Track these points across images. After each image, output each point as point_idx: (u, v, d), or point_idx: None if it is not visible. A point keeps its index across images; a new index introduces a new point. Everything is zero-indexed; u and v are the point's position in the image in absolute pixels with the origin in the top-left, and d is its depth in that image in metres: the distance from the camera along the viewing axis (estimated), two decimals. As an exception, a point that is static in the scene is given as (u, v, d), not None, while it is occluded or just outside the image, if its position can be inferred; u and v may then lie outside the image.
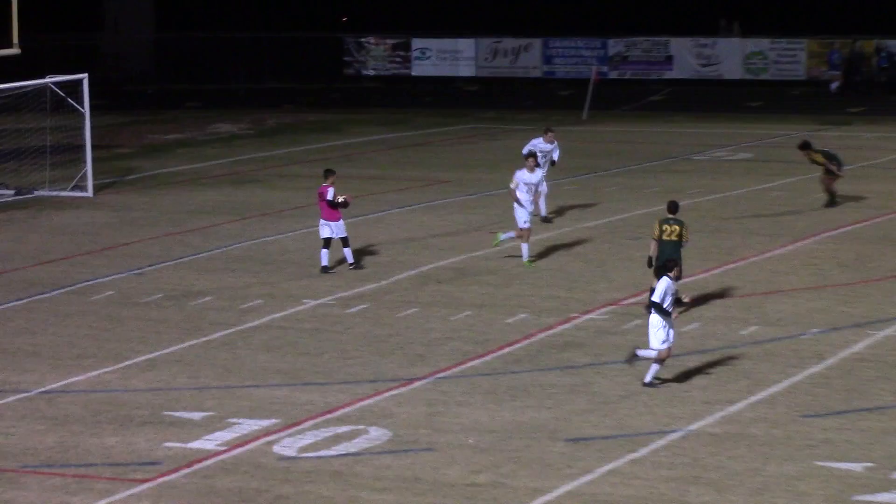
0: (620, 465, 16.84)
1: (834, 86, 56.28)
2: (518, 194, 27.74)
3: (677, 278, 21.50)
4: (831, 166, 32.38)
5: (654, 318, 19.34)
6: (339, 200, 26.17)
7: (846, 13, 59.76)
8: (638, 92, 57.25)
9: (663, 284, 19.60)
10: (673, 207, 23.82)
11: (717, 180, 37.31)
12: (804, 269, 27.52)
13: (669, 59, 58.43)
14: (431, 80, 61.51)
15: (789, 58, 56.52)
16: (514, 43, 60.17)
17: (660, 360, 19.39)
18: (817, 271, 27.27)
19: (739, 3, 61.45)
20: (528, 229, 27.32)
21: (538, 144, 30.47)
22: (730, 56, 57.96)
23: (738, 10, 59.89)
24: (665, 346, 19.29)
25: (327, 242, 26.25)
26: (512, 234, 27.85)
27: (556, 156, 30.93)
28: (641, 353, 19.85)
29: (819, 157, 32.39)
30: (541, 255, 28.97)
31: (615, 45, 59.21)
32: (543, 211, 30.87)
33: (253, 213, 33.79)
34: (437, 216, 32.99)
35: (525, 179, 27.49)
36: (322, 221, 26.32)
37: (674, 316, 21.06)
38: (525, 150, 30.07)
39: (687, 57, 58.18)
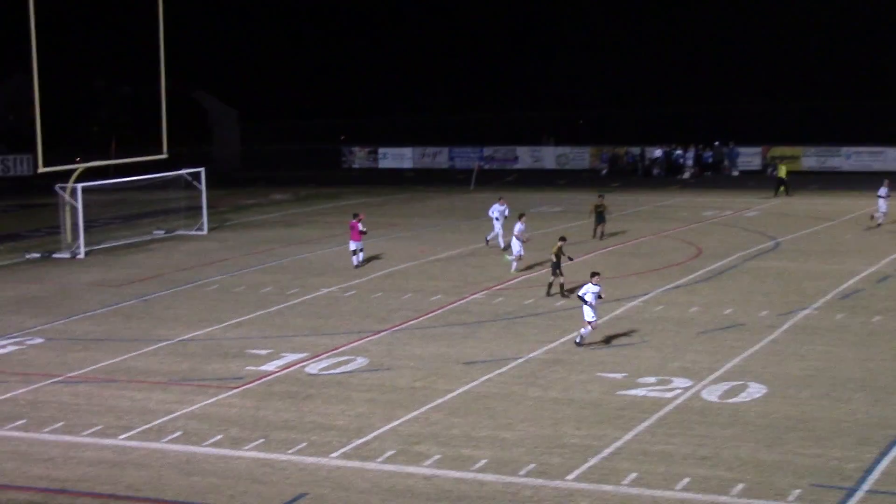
0: (492, 376, 25.51)
1: (603, 172, 78.88)
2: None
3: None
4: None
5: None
6: (362, 230, 39.75)
7: (608, 130, 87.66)
8: (499, 175, 78.15)
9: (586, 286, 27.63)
10: (562, 237, 34.82)
11: (542, 222, 50.92)
12: (589, 269, 39.51)
13: (516, 157, 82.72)
14: (389, 170, 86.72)
15: (579, 156, 79.15)
16: (433, 150, 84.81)
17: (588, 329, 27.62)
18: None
19: (553, 127, 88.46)
20: (520, 256, 38.61)
21: (496, 207, 43.42)
22: (548, 156, 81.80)
23: (552, 130, 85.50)
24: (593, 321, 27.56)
25: (355, 252, 39.96)
26: (513, 257, 38.81)
27: (506, 212, 43.34)
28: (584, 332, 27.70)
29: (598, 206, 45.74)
30: (453, 259, 41.56)
31: (488, 151, 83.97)
32: (502, 243, 42.50)
33: (294, 242, 47.49)
34: (393, 243, 45.89)
35: (520, 228, 38.82)
36: (351, 242, 40.14)
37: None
38: (490, 213, 43.64)
39: (526, 156, 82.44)
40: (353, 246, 40.67)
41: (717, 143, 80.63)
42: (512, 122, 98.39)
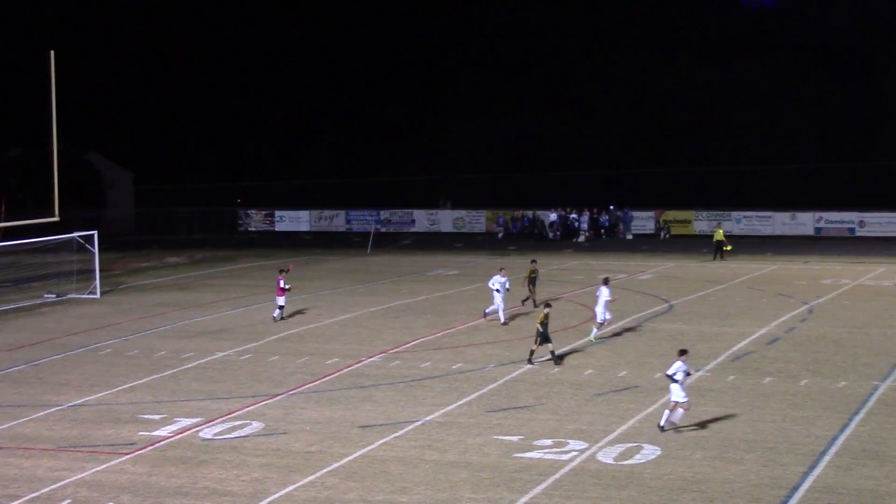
0: (389, 439, 25.37)
1: (500, 235, 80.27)
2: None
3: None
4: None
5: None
6: (284, 287, 41.02)
7: (504, 194, 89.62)
8: (396, 238, 78.58)
9: (676, 364, 25.56)
10: (547, 303, 34.01)
11: (439, 285, 52.09)
12: (486, 332, 39.57)
13: (413, 221, 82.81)
14: (286, 233, 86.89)
15: (476, 219, 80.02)
16: (330, 213, 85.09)
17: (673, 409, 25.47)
18: (492, 333, 39.05)
19: (449, 190, 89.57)
20: (604, 322, 37.12)
21: (497, 279, 40.46)
22: (445, 219, 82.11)
23: (448, 194, 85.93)
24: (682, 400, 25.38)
25: (280, 307, 41.15)
26: (596, 330, 37.26)
27: (507, 284, 40.68)
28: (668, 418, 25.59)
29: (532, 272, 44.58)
30: (349, 322, 41.58)
31: (385, 214, 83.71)
32: (502, 317, 40.41)
33: (189, 306, 46.86)
34: (290, 306, 45.00)
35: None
36: (277, 297, 41.26)
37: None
38: (490, 284, 40.57)
39: (423, 220, 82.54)
40: (279, 301, 42.32)
41: (612, 206, 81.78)
42: (409, 185, 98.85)
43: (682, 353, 25.89)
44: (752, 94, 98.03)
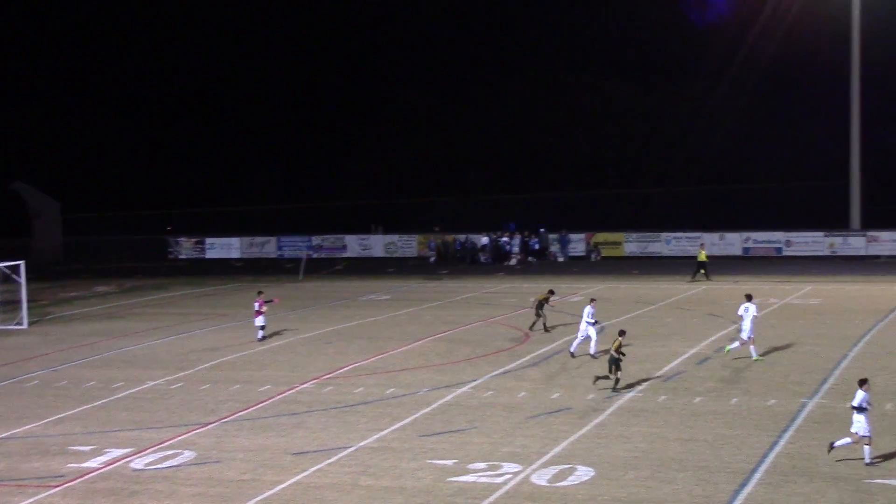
0: (322, 466, 25.28)
1: (432, 259, 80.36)
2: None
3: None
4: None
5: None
6: (261, 309, 42.29)
7: (435, 218, 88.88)
8: (328, 264, 78.61)
9: (859, 394, 24.07)
10: (621, 332, 32.59)
11: (371, 310, 52.22)
12: (419, 356, 39.61)
13: (345, 246, 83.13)
14: (217, 260, 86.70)
15: (408, 244, 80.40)
16: (261, 239, 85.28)
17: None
18: (425, 358, 39.14)
19: (382, 215, 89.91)
20: (751, 338, 36.23)
21: (587, 310, 37.73)
22: (377, 244, 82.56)
23: (381, 219, 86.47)
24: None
25: (261, 328, 42.04)
26: (737, 344, 36.76)
27: (594, 319, 37.82)
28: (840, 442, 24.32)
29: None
30: (282, 349, 41.60)
31: (316, 240, 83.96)
32: (593, 349, 37.54)
33: (119, 335, 46.40)
34: (222, 333, 45.55)
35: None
36: (256, 317, 42.15)
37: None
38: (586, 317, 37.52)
39: (355, 245, 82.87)
40: (257, 321, 43.39)
41: (542, 229, 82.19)
42: (340, 210, 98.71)
43: (863, 382, 24.34)
44: (681, 115, 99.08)
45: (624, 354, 32.44)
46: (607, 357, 32.91)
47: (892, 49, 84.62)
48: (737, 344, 37.27)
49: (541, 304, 43.98)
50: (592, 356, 37.26)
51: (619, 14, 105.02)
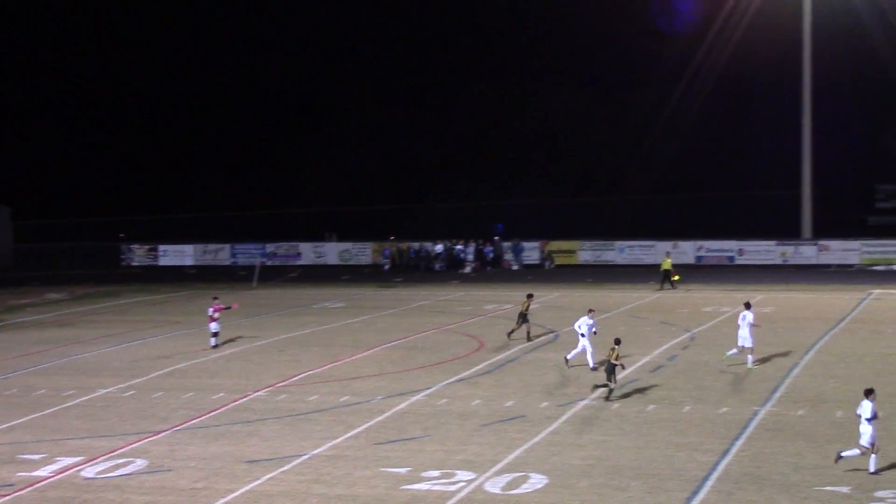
0: (276, 474, 25.17)
1: (386, 267, 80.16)
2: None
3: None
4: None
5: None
6: (214, 315, 42.42)
7: (389, 226, 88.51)
8: (282, 271, 78.66)
9: (868, 405, 23.97)
10: (617, 340, 32.40)
11: (325, 318, 52.19)
12: (373, 364, 39.58)
13: (299, 254, 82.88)
14: (170, 267, 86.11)
15: (362, 252, 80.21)
16: (215, 246, 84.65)
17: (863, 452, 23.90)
18: (379, 366, 39.19)
19: (336, 223, 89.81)
20: (751, 348, 36.29)
21: (584, 320, 36.99)
22: (331, 252, 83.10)
23: (335, 227, 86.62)
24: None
25: (214, 335, 42.10)
26: (735, 351, 36.69)
27: (595, 328, 37.42)
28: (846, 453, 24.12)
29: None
30: (235, 356, 41.48)
31: (270, 247, 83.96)
32: (591, 362, 36.72)
33: (70, 342, 46.19)
34: (175, 341, 45.54)
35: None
36: (210, 323, 42.21)
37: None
38: (576, 326, 36.99)
39: (309, 252, 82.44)
40: (212, 328, 43.37)
41: (496, 238, 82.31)
42: (294, 218, 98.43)
43: (869, 392, 24.38)
44: (635, 124, 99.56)
45: (624, 367, 32.92)
46: (604, 366, 33.06)
47: (842, 62, 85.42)
48: (734, 351, 37.47)
49: (522, 314, 43.22)
50: (592, 368, 36.89)
51: (573, 21, 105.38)
